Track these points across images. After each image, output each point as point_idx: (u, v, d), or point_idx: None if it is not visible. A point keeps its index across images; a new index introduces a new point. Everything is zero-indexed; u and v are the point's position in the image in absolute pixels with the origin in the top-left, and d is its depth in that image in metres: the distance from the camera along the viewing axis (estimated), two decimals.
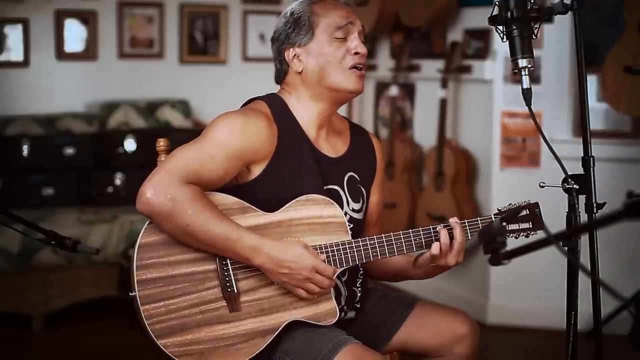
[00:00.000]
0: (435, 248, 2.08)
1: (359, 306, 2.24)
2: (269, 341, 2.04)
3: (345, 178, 2.20)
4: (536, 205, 2.16)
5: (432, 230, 2.11)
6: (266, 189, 2.07)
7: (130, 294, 1.99)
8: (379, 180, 2.33)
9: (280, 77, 2.19)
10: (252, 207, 2.05)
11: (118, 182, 4.61)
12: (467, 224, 2.13)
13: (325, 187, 2.14)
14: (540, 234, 1.45)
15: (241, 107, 2.19)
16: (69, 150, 4.61)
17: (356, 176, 2.23)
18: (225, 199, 2.04)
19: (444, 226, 2.11)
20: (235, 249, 1.97)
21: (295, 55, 2.13)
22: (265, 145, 2.07)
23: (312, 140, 2.16)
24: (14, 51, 4.88)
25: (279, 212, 2.06)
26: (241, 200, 2.05)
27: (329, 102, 2.15)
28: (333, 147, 2.21)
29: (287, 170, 2.09)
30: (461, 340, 2.23)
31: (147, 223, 2.01)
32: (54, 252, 4.15)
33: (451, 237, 2.09)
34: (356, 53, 2.13)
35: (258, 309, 2.04)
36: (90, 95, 5.07)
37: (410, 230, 2.12)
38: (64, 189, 4.55)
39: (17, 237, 3.99)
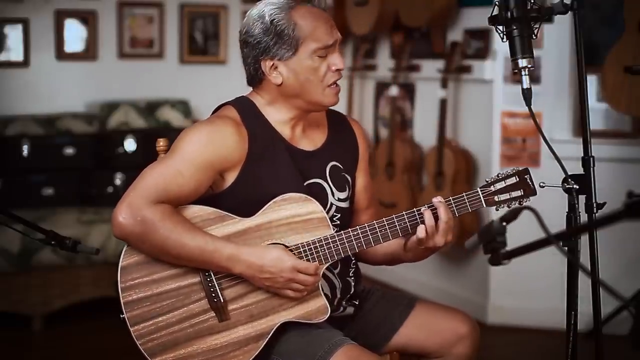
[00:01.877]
0: (420, 231, 2.05)
1: (357, 303, 2.24)
2: (262, 345, 2.04)
3: (328, 169, 2.18)
4: (526, 171, 2.11)
5: (416, 213, 2.08)
6: (244, 193, 2.06)
7: (121, 316, 2.02)
8: (363, 163, 2.30)
9: (254, 82, 2.15)
10: (230, 214, 2.04)
11: (118, 182, 4.61)
12: (452, 201, 2.08)
13: (306, 183, 2.12)
14: (540, 233, 1.44)
15: (212, 113, 2.18)
16: (69, 150, 4.61)
17: (339, 165, 2.21)
18: (202, 210, 2.04)
19: (428, 207, 2.07)
20: (213, 260, 1.98)
21: (273, 66, 2.08)
22: (235, 151, 2.05)
23: (286, 138, 2.14)
24: (14, 51, 4.88)
25: (256, 215, 2.05)
26: (218, 210, 2.04)
27: (302, 111, 2.14)
28: (311, 140, 2.19)
29: (263, 172, 2.08)
30: (461, 340, 2.23)
31: (125, 246, 2.02)
32: (54, 252, 4.15)
33: (436, 217, 2.05)
34: (336, 69, 2.09)
35: (247, 315, 2.04)
36: (90, 95, 5.07)
37: (394, 215, 2.09)
38: (64, 189, 4.55)
39: (17, 237, 3.99)
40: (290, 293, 2.02)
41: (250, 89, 2.21)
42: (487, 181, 2.12)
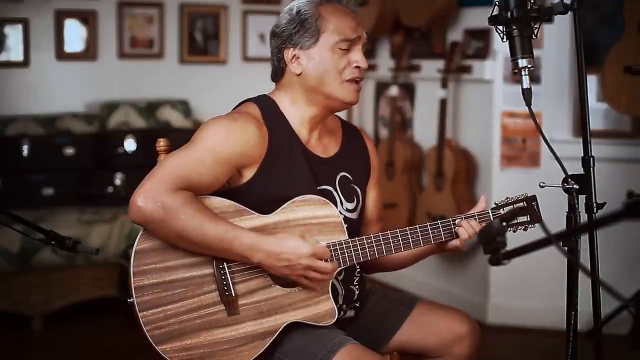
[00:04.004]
0: (463, 237, 2.13)
1: (358, 305, 2.24)
2: (268, 343, 2.04)
3: (337, 178, 2.20)
4: (533, 198, 2.18)
5: (429, 227, 2.13)
6: (259, 191, 2.07)
7: (129, 300, 2.00)
8: (375, 179, 2.32)
9: (277, 75, 2.17)
10: (248, 209, 2.05)
11: (118, 182, 4.60)
12: (463, 218, 2.16)
13: (318, 188, 2.13)
14: (540, 234, 1.44)
15: (233, 109, 2.18)
16: (69, 150, 4.61)
17: (349, 176, 2.23)
18: (221, 203, 2.04)
19: (458, 220, 2.15)
20: (233, 248, 1.97)
21: (295, 56, 2.11)
22: (255, 149, 2.06)
23: (303, 141, 2.15)
24: (14, 51, 4.88)
25: (274, 213, 2.06)
26: (236, 203, 2.05)
27: (322, 108, 2.15)
28: (325, 147, 2.21)
29: (279, 172, 2.08)
30: (461, 340, 2.23)
31: (142, 230, 2.02)
32: (54, 252, 4.15)
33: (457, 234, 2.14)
34: (357, 67, 2.11)
35: (256, 312, 2.04)
36: (90, 95, 5.07)
37: (408, 227, 2.12)
38: (64, 189, 4.55)
39: (17, 237, 3.99)
40: (306, 282, 2.02)
41: (267, 91, 2.22)
42: (496, 204, 2.20)
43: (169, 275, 2.01)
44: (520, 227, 2.16)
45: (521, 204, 2.17)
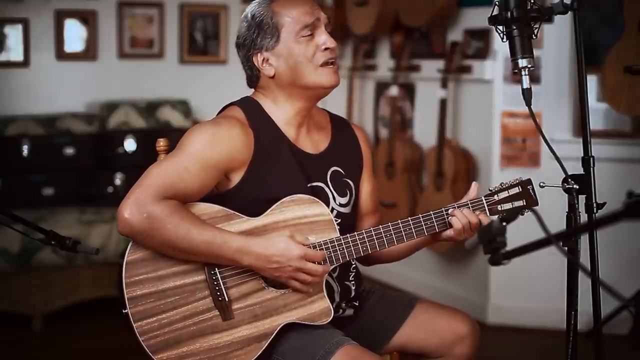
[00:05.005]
0: (457, 230, 2.10)
1: (357, 304, 2.24)
2: (265, 346, 2.04)
3: (329, 173, 2.19)
4: (528, 182, 2.16)
5: (422, 219, 2.11)
6: (248, 194, 2.06)
7: (123, 311, 2.00)
8: (368, 169, 2.31)
9: (253, 82, 2.17)
10: (237, 213, 2.04)
11: (118, 182, 4.61)
12: (456, 207, 2.13)
13: (309, 185, 2.13)
14: (540, 233, 1.44)
15: (217, 113, 2.17)
16: (69, 150, 4.61)
17: (340, 170, 2.21)
18: (209, 208, 2.04)
19: (444, 212, 2.12)
20: (221, 253, 1.97)
21: (264, 59, 2.10)
22: (241, 152, 2.05)
23: (291, 140, 2.14)
24: (14, 51, 4.88)
25: (263, 215, 2.05)
26: (225, 208, 2.04)
27: (306, 100, 2.14)
28: (314, 143, 2.19)
29: (268, 173, 2.08)
30: (461, 340, 2.23)
31: (131, 241, 2.01)
32: (54, 252, 4.15)
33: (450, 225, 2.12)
34: (326, 48, 2.09)
35: (251, 315, 2.04)
36: (90, 95, 5.07)
37: (400, 220, 2.11)
38: (64, 189, 4.55)
39: (17, 237, 3.99)
40: (296, 284, 2.02)
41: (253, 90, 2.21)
42: (490, 190, 2.17)
43: (162, 284, 2.01)
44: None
45: (516, 189, 2.14)
